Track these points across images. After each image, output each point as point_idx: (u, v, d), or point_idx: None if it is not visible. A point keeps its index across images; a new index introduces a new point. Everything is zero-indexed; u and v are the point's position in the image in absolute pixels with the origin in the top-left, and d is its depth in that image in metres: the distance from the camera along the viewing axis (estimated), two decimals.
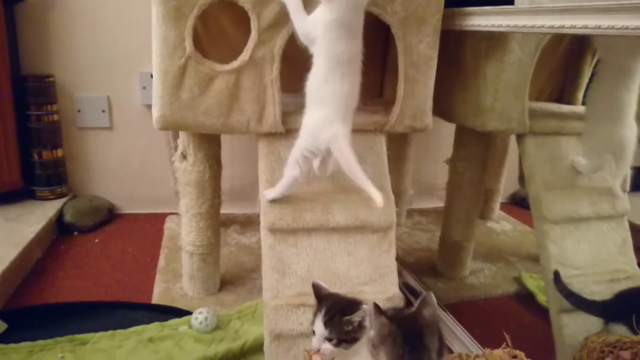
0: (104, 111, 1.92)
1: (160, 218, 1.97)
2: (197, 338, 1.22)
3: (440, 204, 1.72)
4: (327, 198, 1.15)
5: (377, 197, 0.97)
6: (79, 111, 1.91)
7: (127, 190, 2.03)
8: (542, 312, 1.35)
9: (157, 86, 1.13)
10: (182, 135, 1.33)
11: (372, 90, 1.60)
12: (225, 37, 1.26)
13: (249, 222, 1.98)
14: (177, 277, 1.51)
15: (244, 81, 1.14)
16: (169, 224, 1.92)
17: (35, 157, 1.84)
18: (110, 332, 1.22)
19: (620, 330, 1.09)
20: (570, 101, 1.68)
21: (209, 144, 1.32)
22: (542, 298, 1.47)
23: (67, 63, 1.85)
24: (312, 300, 0.84)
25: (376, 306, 0.71)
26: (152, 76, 1.16)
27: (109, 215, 1.97)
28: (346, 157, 0.99)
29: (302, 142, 1.04)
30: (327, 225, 1.12)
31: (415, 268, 1.67)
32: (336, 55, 0.99)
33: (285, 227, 1.11)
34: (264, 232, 1.12)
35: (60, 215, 1.82)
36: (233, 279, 1.55)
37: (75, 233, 1.82)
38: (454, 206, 1.58)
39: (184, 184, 1.35)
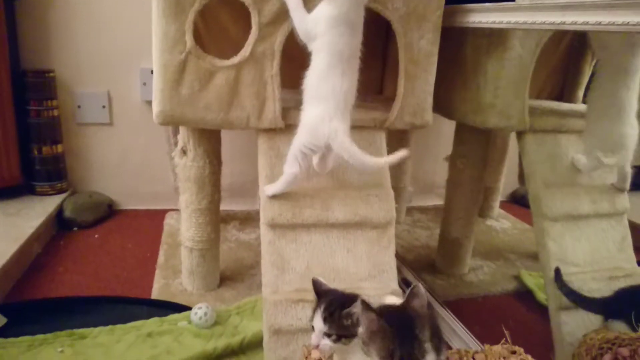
0: (104, 107, 1.92)
1: (160, 214, 1.97)
2: (197, 333, 1.22)
3: (439, 201, 1.72)
4: (326, 194, 1.15)
5: (391, 158, 1.02)
6: (79, 107, 1.91)
7: (127, 186, 2.03)
8: (541, 310, 1.35)
9: (157, 81, 1.13)
10: (182, 130, 1.33)
11: (373, 87, 1.60)
12: (226, 32, 1.26)
13: (249, 219, 1.98)
14: (176, 272, 1.51)
15: (244, 77, 1.14)
16: (168, 220, 1.92)
17: (35, 152, 1.84)
18: (109, 326, 1.22)
19: (619, 328, 1.09)
20: (570, 100, 1.68)
21: (209, 140, 1.32)
22: (541, 296, 1.47)
23: (67, 58, 1.85)
24: (311, 296, 0.85)
25: (363, 302, 0.71)
26: (152, 72, 1.16)
27: (108, 211, 1.97)
28: (348, 150, 0.99)
29: (301, 138, 1.04)
30: (326, 221, 1.12)
31: (415, 265, 1.67)
32: (338, 52, 0.99)
33: (285, 223, 1.11)
34: (263, 228, 1.12)
35: (60, 210, 1.82)
36: (232, 275, 1.55)
37: (75, 228, 1.83)
38: (453, 203, 1.58)
39: (183, 180, 1.35)
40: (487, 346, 0.93)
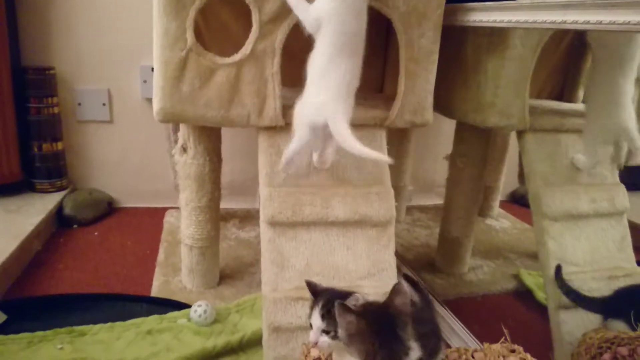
0: (104, 104, 1.92)
1: (160, 212, 1.97)
2: (196, 331, 1.22)
3: (439, 200, 1.72)
4: (326, 192, 1.15)
5: (382, 157, 1.02)
6: (79, 104, 1.91)
7: (127, 184, 2.03)
8: (541, 310, 1.35)
9: (158, 78, 1.13)
10: (183, 128, 1.33)
11: (373, 85, 1.60)
12: (227, 30, 1.25)
13: (249, 217, 1.99)
14: (176, 270, 1.51)
15: (244, 74, 1.14)
16: (168, 218, 1.92)
17: (35, 149, 1.84)
18: (109, 324, 1.22)
19: (619, 327, 1.09)
20: (570, 99, 1.68)
21: (209, 137, 1.32)
22: (540, 295, 1.47)
23: (67, 55, 1.85)
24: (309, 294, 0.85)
25: (340, 305, 0.70)
26: (152, 69, 1.16)
27: (108, 209, 1.97)
28: (342, 134, 0.97)
29: (304, 112, 1.01)
30: (326, 219, 1.12)
31: (415, 264, 1.67)
32: (343, 34, 0.98)
33: (285, 220, 1.11)
34: (263, 226, 1.12)
35: (60, 208, 1.82)
36: (232, 273, 1.55)
37: (75, 226, 1.83)
38: (453, 202, 1.58)
39: (183, 177, 1.35)
40: (486, 345, 0.93)
